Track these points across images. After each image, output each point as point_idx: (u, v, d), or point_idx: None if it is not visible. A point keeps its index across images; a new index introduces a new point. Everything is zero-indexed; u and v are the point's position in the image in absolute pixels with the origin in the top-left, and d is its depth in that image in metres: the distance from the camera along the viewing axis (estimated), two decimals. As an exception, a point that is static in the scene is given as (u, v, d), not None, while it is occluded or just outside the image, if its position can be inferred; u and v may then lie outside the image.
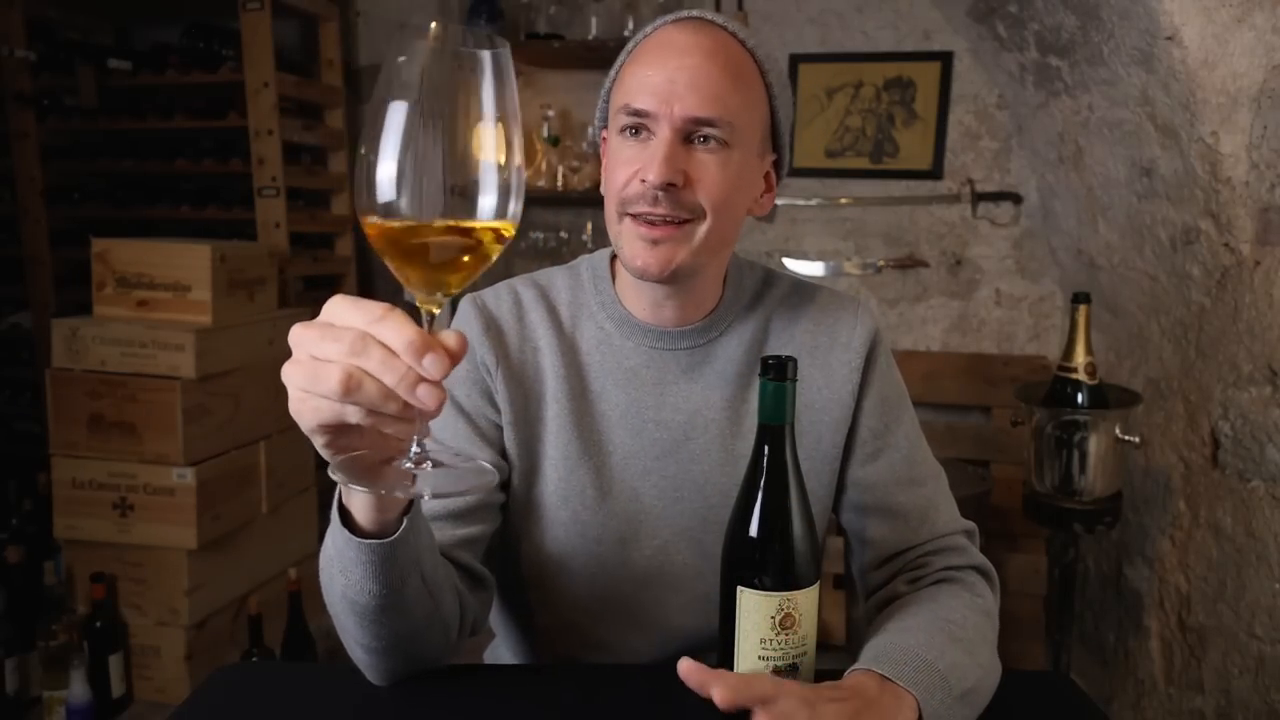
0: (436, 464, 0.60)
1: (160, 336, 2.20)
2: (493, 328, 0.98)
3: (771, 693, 0.72)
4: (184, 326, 2.21)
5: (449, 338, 0.55)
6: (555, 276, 1.04)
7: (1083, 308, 1.95)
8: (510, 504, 0.99)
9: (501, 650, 1.12)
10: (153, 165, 3.03)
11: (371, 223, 0.56)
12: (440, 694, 0.86)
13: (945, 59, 2.84)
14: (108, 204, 3.11)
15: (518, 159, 0.58)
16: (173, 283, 2.26)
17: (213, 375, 2.26)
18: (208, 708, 0.85)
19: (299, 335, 0.57)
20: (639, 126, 0.88)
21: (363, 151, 0.56)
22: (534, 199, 3.19)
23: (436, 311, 0.60)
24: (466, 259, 0.58)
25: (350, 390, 0.54)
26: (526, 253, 3.29)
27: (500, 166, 0.56)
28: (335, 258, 3.11)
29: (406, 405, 0.55)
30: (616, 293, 1.00)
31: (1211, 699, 1.93)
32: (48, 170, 3.05)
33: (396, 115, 0.55)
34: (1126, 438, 1.94)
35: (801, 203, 3.00)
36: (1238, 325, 1.83)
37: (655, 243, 0.88)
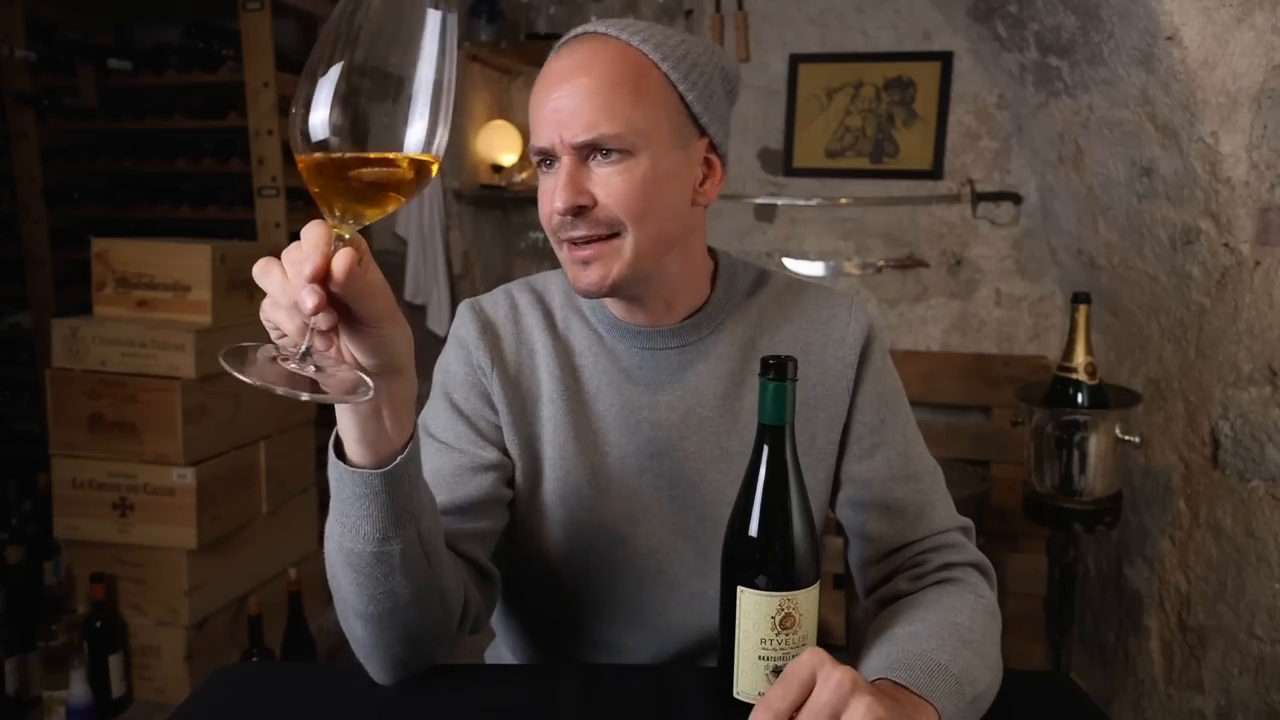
0: (318, 368, 0.64)
1: (160, 336, 2.20)
2: (489, 331, 1.00)
3: None
4: (184, 326, 2.21)
5: (339, 259, 0.62)
6: (550, 280, 1.05)
7: (1083, 308, 1.96)
8: (515, 502, 1.00)
9: (502, 650, 1.13)
10: (153, 165, 3.02)
11: (300, 157, 0.61)
12: (440, 694, 0.86)
13: (945, 59, 2.84)
14: (108, 204, 3.11)
15: (438, 97, 0.61)
16: (173, 283, 2.26)
17: (213, 375, 2.26)
18: (208, 708, 0.85)
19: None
20: (548, 160, 0.90)
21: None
22: (534, 199, 3.19)
23: (347, 235, 0.64)
24: (382, 191, 0.62)
25: (261, 274, 0.63)
26: (526, 253, 3.29)
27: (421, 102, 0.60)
28: (335, 258, 3.11)
29: (298, 304, 0.61)
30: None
31: (1211, 699, 1.93)
32: (48, 170, 3.05)
33: (321, 52, 0.60)
34: (1126, 438, 1.94)
35: (801, 203, 3.00)
36: (1238, 325, 1.83)
37: (586, 263, 0.90)
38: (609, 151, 0.87)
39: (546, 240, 0.93)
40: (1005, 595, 2.33)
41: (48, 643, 2.16)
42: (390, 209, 0.65)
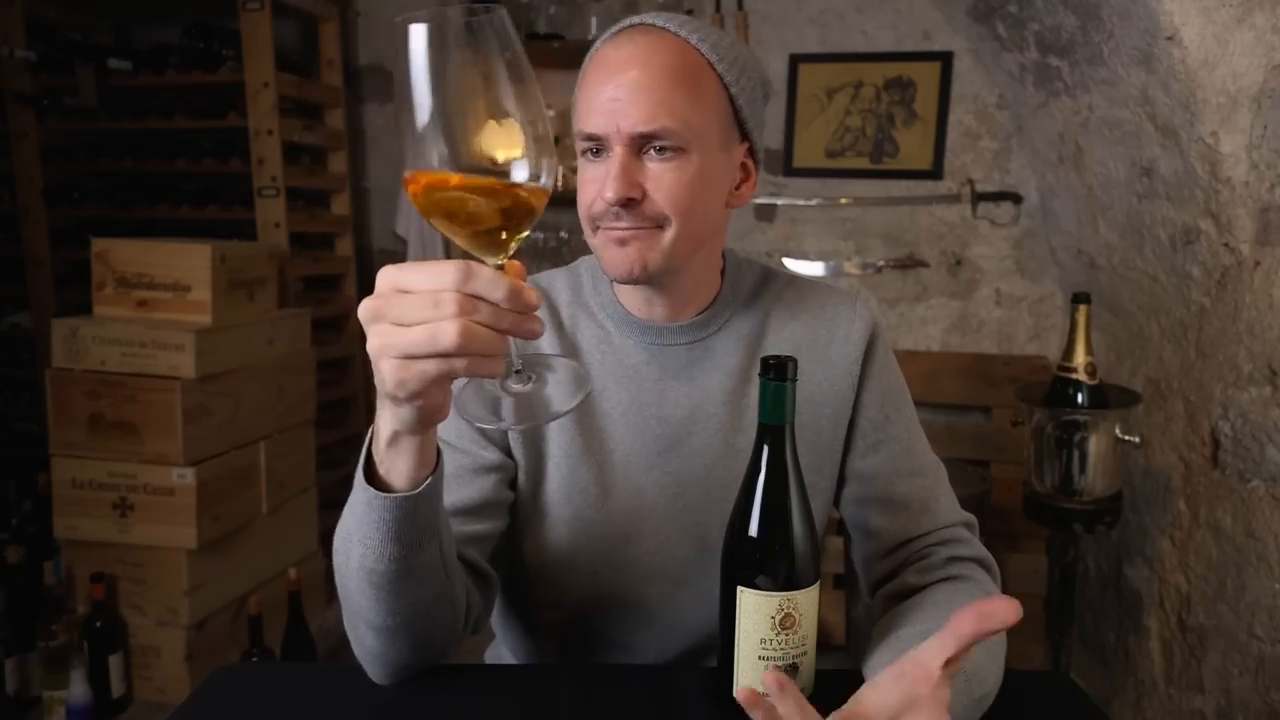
0: (535, 376, 0.66)
1: (160, 336, 2.20)
2: None
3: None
4: (184, 326, 2.21)
5: (514, 267, 0.63)
6: (555, 278, 1.05)
7: (1083, 308, 1.95)
8: (516, 503, 1.00)
9: (502, 650, 1.12)
10: (153, 165, 3.02)
11: (415, 188, 0.61)
12: (440, 694, 0.86)
13: (945, 59, 2.83)
14: (108, 204, 3.11)
15: (534, 116, 0.62)
16: (173, 283, 2.26)
17: (213, 375, 2.26)
18: (208, 708, 0.85)
19: (380, 307, 0.61)
20: (596, 148, 0.90)
21: (401, 125, 0.60)
22: (534, 199, 3.19)
23: (502, 262, 0.64)
24: (512, 215, 0.62)
25: (468, 344, 0.58)
26: (527, 252, 3.28)
27: (520, 123, 0.61)
28: (335, 258, 3.11)
29: (502, 343, 0.61)
30: (614, 291, 1.01)
31: (1211, 699, 1.93)
32: (48, 170, 3.05)
33: (416, 91, 0.59)
34: (1126, 438, 1.94)
35: (801, 203, 3.00)
36: (1238, 325, 1.83)
37: (624, 243, 0.90)
38: (663, 147, 0.88)
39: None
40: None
41: (48, 643, 2.16)
42: (526, 225, 0.64)
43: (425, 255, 3.08)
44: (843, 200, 2.98)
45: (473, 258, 0.63)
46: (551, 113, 3.05)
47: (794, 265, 3.01)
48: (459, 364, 0.60)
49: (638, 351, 0.99)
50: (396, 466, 0.72)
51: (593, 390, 0.99)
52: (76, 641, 2.18)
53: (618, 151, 0.87)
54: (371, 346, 0.62)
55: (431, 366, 0.60)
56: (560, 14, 3.01)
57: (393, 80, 0.61)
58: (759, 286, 1.04)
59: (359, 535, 0.76)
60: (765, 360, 0.79)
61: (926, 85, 2.86)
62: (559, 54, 2.95)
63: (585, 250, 1.00)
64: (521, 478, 0.99)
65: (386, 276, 0.61)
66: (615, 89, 0.87)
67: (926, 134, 2.89)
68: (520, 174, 0.61)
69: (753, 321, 1.01)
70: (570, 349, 1.00)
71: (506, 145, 0.60)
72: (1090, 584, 2.49)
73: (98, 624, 2.20)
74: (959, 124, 2.87)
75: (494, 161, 0.60)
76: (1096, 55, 2.03)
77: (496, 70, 0.60)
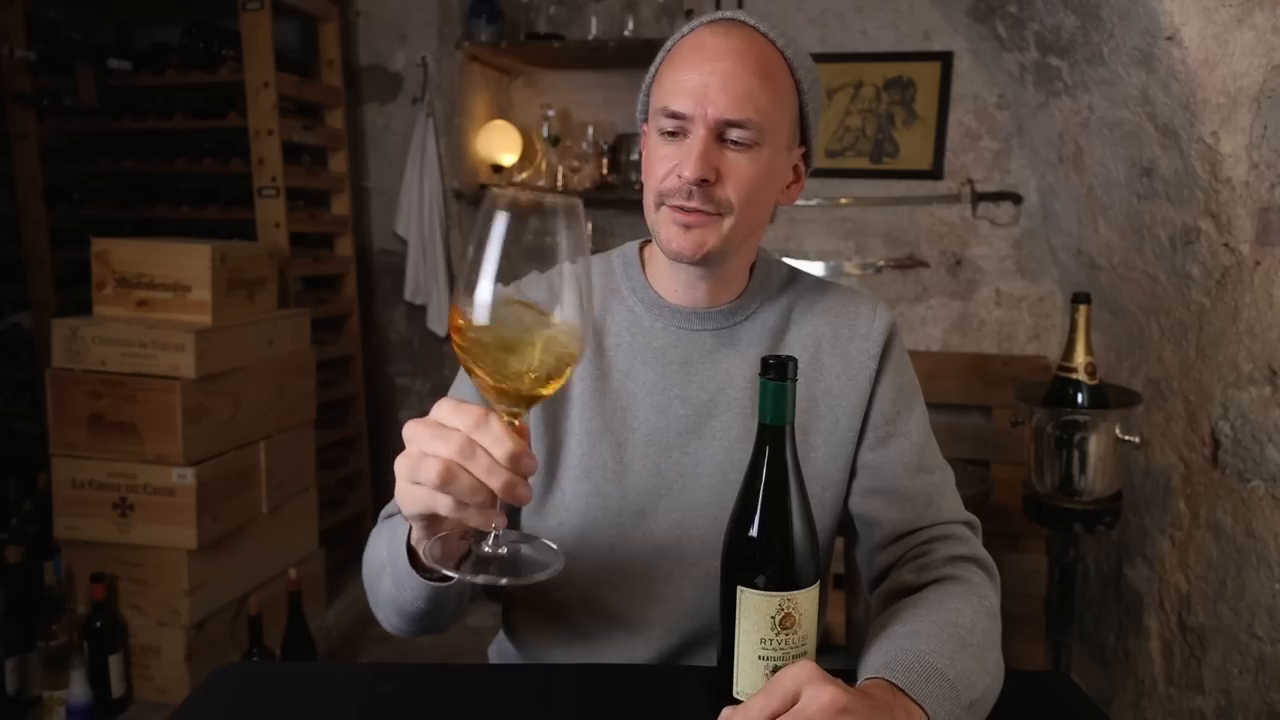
0: (509, 544, 0.70)
1: (160, 336, 2.20)
2: None
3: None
4: (184, 326, 2.21)
5: (523, 429, 0.67)
6: None
7: (1083, 308, 1.96)
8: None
9: (505, 645, 1.13)
10: (153, 165, 3.02)
11: (460, 329, 0.65)
12: (440, 694, 0.86)
13: (945, 59, 2.84)
14: (108, 204, 3.11)
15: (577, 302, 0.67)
16: (173, 283, 2.26)
17: (213, 375, 2.26)
18: (208, 708, 0.85)
19: (412, 431, 0.67)
20: (676, 128, 0.93)
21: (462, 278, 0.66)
22: (534, 199, 3.18)
23: (517, 422, 0.68)
24: (533, 372, 0.66)
25: (446, 482, 0.63)
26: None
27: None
28: (335, 258, 3.11)
29: (490, 498, 0.65)
30: (647, 278, 1.06)
31: (1211, 699, 1.93)
32: (48, 170, 3.05)
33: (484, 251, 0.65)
34: (1126, 438, 1.94)
35: (801, 203, 2.99)
36: (1238, 325, 1.83)
37: (688, 228, 0.94)
38: (741, 137, 0.92)
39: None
40: (1005, 595, 2.32)
41: (48, 643, 2.17)
42: (548, 385, 0.68)
43: (425, 256, 3.08)
44: (843, 200, 2.98)
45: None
46: (551, 113, 3.05)
47: (794, 265, 3.01)
48: (443, 501, 0.64)
49: (666, 334, 1.03)
50: (423, 547, 0.78)
51: (620, 373, 1.03)
52: (76, 641, 2.18)
53: (700, 133, 0.91)
54: (396, 462, 0.68)
55: (423, 495, 0.65)
56: (560, 14, 3.01)
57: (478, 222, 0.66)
58: (786, 283, 1.09)
59: (394, 578, 0.86)
60: (765, 360, 0.79)
61: (926, 85, 2.86)
62: (559, 54, 2.95)
63: (596, 249, 1.02)
64: (540, 455, 1.02)
65: (436, 407, 0.67)
66: (708, 74, 0.91)
67: (926, 134, 2.89)
68: (555, 350, 0.66)
69: (778, 314, 1.06)
70: (596, 332, 1.04)
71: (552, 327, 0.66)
72: (1090, 584, 2.49)
73: (98, 624, 2.20)
74: (959, 124, 2.87)
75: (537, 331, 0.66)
76: (1096, 55, 2.03)
77: (559, 251, 0.65)
